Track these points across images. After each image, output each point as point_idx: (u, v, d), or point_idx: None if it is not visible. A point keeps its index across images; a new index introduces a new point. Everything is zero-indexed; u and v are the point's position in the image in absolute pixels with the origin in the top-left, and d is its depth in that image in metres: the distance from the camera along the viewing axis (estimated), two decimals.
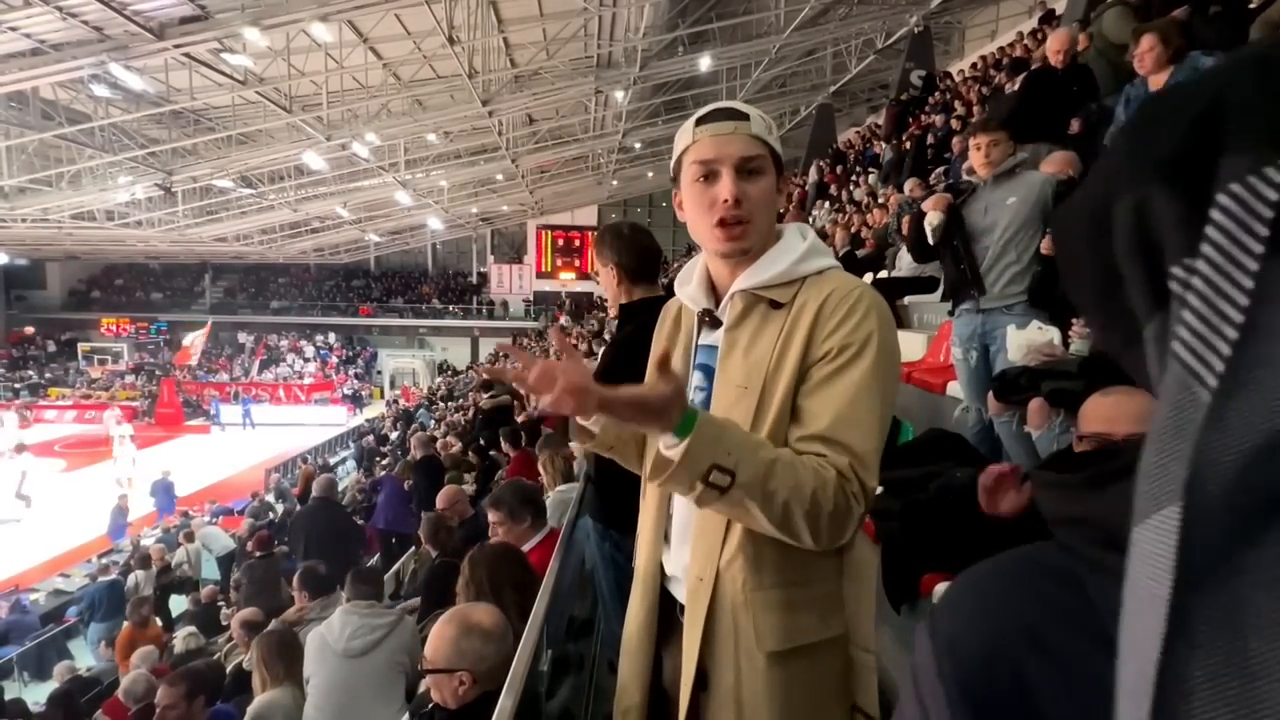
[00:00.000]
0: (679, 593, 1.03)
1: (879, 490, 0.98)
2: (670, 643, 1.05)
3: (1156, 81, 2.91)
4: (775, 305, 0.96)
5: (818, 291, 0.94)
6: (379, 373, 27.33)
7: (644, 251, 1.97)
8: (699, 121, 0.97)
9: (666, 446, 0.82)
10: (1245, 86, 0.24)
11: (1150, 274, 0.25)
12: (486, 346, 26.12)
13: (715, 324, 1.02)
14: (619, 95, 13.79)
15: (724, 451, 0.80)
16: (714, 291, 1.05)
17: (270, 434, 19.65)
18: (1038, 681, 0.29)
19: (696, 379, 1.05)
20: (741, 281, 0.98)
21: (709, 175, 0.95)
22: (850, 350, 0.88)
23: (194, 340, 21.19)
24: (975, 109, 7.90)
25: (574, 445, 3.41)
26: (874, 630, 0.95)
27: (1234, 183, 0.23)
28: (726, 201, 0.93)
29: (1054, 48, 3.70)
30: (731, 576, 0.93)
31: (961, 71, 11.78)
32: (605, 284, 2.03)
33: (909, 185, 6.66)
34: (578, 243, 28.35)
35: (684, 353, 1.08)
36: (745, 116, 0.95)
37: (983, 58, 11.03)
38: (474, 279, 29.69)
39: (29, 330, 25.94)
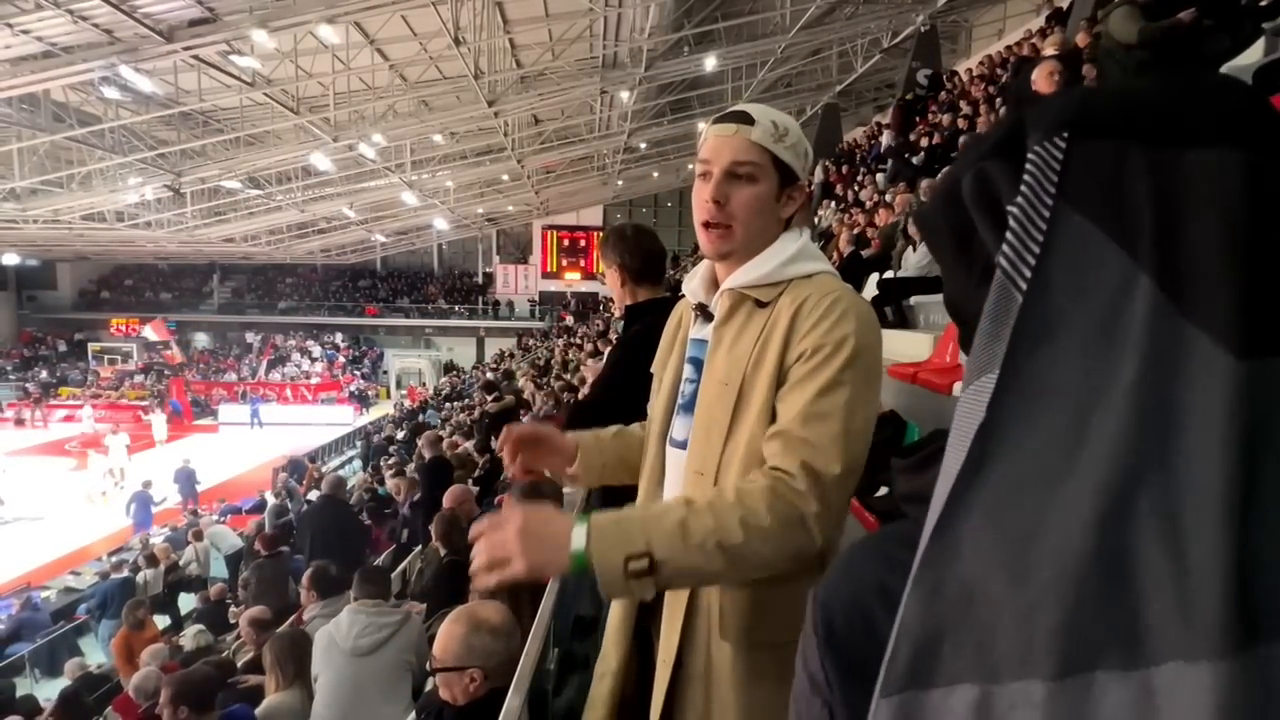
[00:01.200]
0: None
1: (883, 492, 0.98)
2: (657, 626, 1.09)
3: None
4: (760, 305, 0.97)
5: (796, 294, 0.95)
6: (385, 373, 27.44)
7: (648, 253, 1.98)
8: (714, 120, 1.00)
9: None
10: (1033, 114, 0.36)
11: (994, 217, 0.36)
12: (492, 346, 26.18)
13: (708, 317, 1.05)
14: (624, 95, 13.80)
15: (626, 540, 0.79)
16: (716, 288, 1.07)
17: (278, 433, 19.76)
18: (884, 628, 0.35)
19: (687, 371, 1.07)
20: (730, 280, 1.00)
21: (705, 175, 0.98)
22: (824, 351, 0.89)
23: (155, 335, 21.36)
24: (983, 108, 7.87)
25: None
26: None
27: (1035, 147, 0.34)
28: (708, 203, 0.96)
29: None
30: None
31: (969, 70, 11.74)
32: (610, 285, 2.05)
33: (924, 185, 6.65)
34: (583, 243, 28.38)
35: (680, 346, 1.11)
36: (750, 121, 0.95)
37: (989, 56, 10.98)
38: (479, 279, 29.76)
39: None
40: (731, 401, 0.94)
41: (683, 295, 1.15)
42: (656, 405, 1.13)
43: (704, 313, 1.06)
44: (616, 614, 1.10)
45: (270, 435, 19.85)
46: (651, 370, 1.19)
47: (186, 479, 12.73)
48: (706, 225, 0.97)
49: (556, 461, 1.13)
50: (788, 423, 0.88)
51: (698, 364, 1.05)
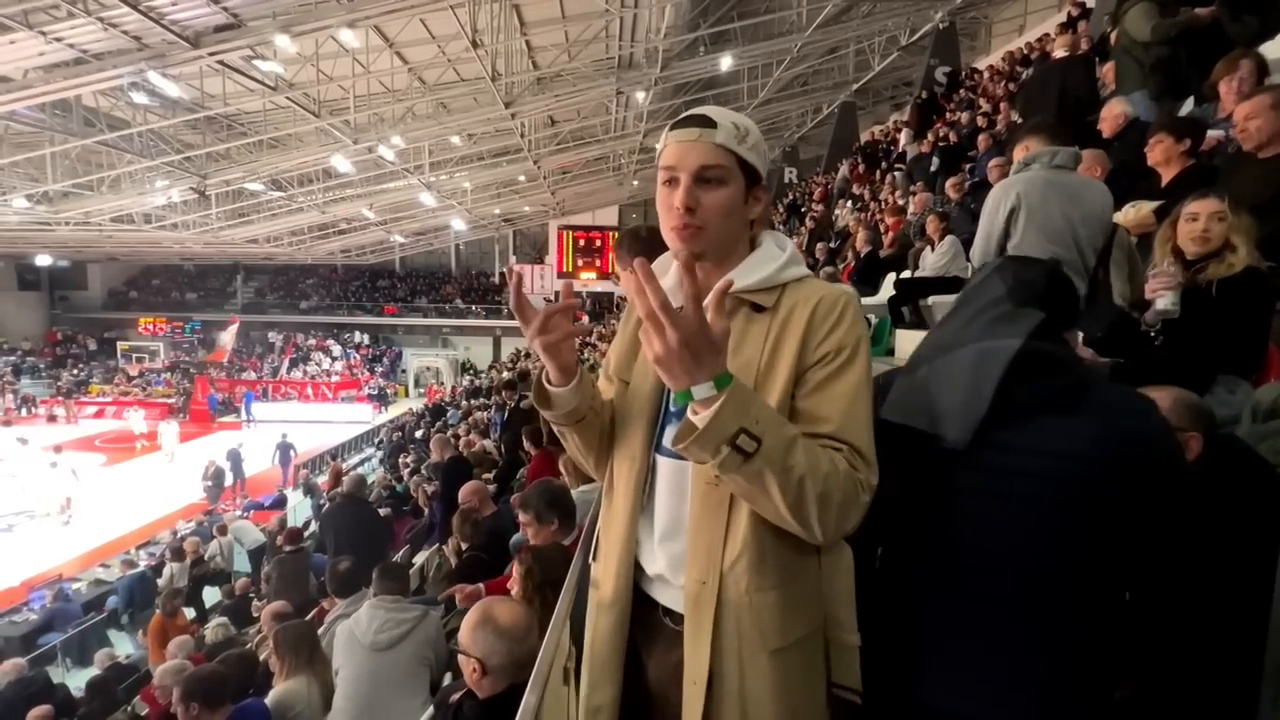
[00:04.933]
0: (661, 594, 1.03)
1: None
2: (652, 644, 1.04)
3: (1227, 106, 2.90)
4: (757, 309, 0.99)
5: (805, 297, 0.97)
6: (404, 371, 27.75)
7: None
8: (671, 127, 0.99)
9: (693, 411, 0.81)
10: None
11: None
12: (508, 346, 26.34)
13: None
14: (640, 96, 13.83)
15: (752, 418, 0.80)
16: None
17: (300, 432, 19.95)
18: None
19: None
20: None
21: (670, 181, 0.97)
22: (845, 353, 0.93)
23: (226, 338, 21.77)
24: (1002, 106, 7.76)
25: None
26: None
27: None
28: (678, 209, 0.95)
29: (1107, 114, 3.61)
30: (735, 579, 0.94)
31: (990, 67, 11.59)
32: (625, 287, 2.07)
33: (948, 184, 6.59)
34: (599, 243, 28.44)
35: None
36: (712, 124, 0.95)
37: (1010, 53, 10.83)
38: (496, 279, 29.97)
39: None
40: None
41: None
42: (631, 409, 1.07)
43: None
44: (603, 640, 1.05)
45: (289, 433, 20.04)
46: (610, 375, 1.14)
47: (284, 451, 14.89)
48: (675, 229, 0.97)
49: (566, 358, 1.00)
50: (835, 429, 0.90)
51: None
